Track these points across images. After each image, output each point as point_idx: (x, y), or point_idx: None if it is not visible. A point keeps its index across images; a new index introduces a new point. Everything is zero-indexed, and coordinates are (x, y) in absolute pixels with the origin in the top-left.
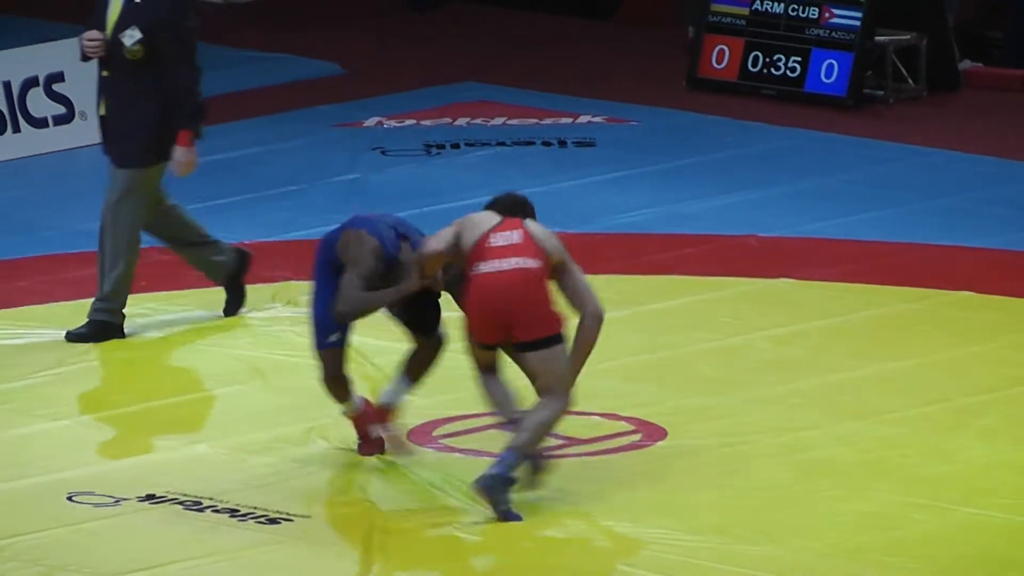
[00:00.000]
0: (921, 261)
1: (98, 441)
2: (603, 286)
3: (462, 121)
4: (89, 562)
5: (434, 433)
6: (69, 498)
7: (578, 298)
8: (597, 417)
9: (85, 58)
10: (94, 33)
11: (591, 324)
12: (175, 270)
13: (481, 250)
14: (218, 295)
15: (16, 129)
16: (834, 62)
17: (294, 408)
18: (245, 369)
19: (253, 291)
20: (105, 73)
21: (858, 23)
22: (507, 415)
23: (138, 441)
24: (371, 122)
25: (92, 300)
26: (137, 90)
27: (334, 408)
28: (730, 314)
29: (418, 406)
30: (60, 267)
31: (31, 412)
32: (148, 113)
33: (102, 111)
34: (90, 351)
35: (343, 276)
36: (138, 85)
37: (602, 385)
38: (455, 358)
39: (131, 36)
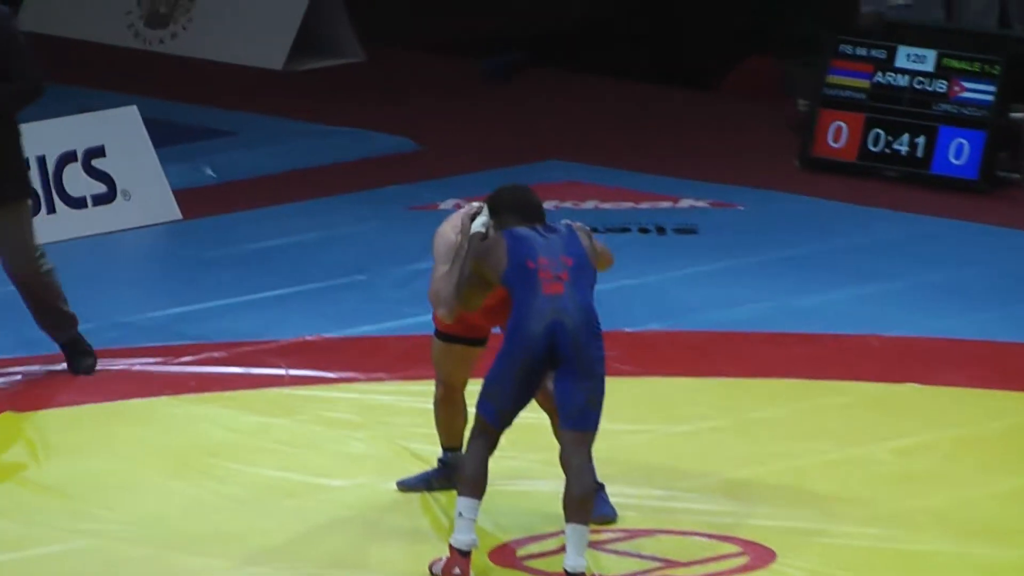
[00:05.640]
0: None
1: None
2: (706, 390)
3: (549, 204)
4: None
5: (518, 554)
6: None
7: None
8: (699, 537)
9: None
10: None
11: None
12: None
13: None
14: None
15: (51, 209)
16: (964, 141)
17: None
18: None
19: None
20: None
21: (991, 98)
22: None
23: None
24: (448, 204)
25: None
26: None
27: None
28: (848, 423)
29: (501, 525)
30: (102, 361)
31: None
32: None
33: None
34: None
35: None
36: None
37: (705, 501)
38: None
39: None
